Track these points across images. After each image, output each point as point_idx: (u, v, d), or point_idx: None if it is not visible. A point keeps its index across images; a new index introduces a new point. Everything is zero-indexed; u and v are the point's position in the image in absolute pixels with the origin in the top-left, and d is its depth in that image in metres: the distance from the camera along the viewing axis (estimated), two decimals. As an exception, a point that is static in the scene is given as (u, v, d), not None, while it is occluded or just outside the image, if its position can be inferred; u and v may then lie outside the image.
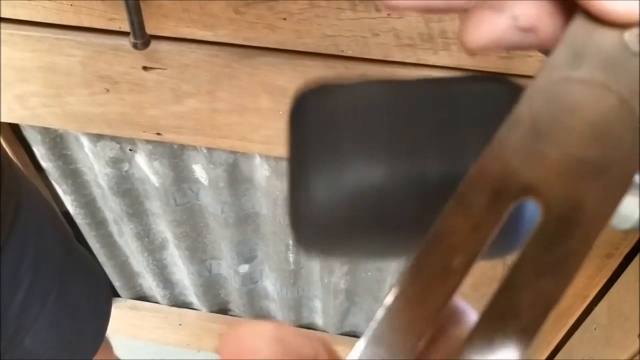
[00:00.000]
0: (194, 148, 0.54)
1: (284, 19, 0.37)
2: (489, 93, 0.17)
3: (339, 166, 0.16)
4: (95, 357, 0.48)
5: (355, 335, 0.82)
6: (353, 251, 0.16)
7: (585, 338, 0.57)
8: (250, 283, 0.75)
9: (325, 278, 0.69)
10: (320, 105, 0.17)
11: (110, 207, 0.65)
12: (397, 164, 0.16)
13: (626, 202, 0.31)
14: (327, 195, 0.16)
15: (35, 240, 0.40)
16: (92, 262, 0.50)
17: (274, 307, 0.81)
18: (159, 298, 0.84)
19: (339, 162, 0.16)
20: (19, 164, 0.58)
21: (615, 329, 0.50)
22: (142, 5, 0.36)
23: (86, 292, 0.48)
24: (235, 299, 0.80)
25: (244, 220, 0.63)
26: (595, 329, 0.54)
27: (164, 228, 0.68)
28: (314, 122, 0.17)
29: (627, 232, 0.32)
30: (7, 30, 0.42)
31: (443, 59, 0.37)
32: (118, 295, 0.85)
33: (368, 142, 0.16)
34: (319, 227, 0.17)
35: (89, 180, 0.63)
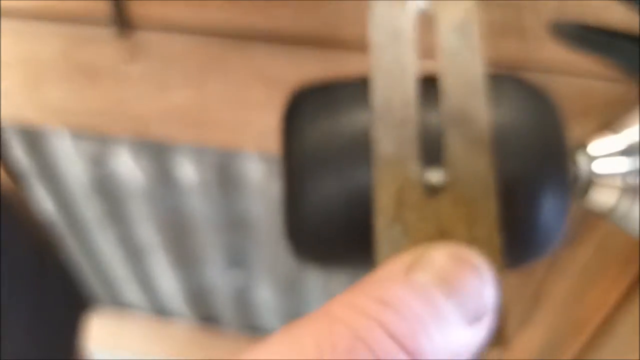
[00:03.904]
0: (182, 145, 0.54)
1: (281, 5, 0.37)
2: (498, 92, 0.17)
3: (337, 172, 0.16)
4: None
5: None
6: (350, 261, 0.16)
7: (606, 348, 0.57)
8: (242, 291, 0.75)
9: (323, 285, 0.69)
10: (316, 106, 0.17)
11: (92, 209, 0.65)
12: None
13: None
14: (326, 200, 0.16)
15: (7, 249, 0.40)
16: (69, 271, 0.51)
17: (268, 316, 0.81)
18: (143, 307, 0.84)
19: (336, 167, 0.16)
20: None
21: (636, 336, 0.50)
22: (126, -9, 0.36)
23: (62, 302, 0.48)
24: (225, 308, 0.80)
25: (236, 224, 0.63)
26: (616, 337, 0.55)
27: (148, 232, 0.68)
28: (309, 127, 0.17)
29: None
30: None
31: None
32: (100, 304, 0.85)
33: (365, 148, 0.16)
34: (315, 237, 0.17)
35: (69, 181, 0.63)
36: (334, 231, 0.16)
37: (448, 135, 0.15)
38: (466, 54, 0.16)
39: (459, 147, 0.15)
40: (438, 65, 0.16)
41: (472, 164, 0.15)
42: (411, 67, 0.16)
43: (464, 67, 0.15)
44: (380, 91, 0.15)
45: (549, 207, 0.17)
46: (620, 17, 0.33)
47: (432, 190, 0.15)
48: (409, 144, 0.15)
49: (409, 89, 0.15)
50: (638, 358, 0.50)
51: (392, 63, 0.16)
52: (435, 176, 0.15)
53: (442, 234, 0.14)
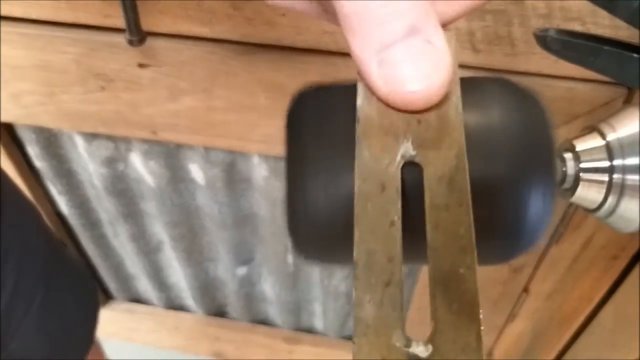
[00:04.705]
0: (191, 147, 0.54)
1: (283, 14, 0.37)
2: (487, 94, 0.17)
3: (337, 171, 0.16)
4: None
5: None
6: (349, 258, 0.16)
7: (591, 341, 0.57)
8: (248, 286, 0.75)
9: (325, 281, 0.69)
10: (317, 109, 0.17)
11: (105, 207, 0.65)
12: None
13: (630, 205, 0.31)
14: (325, 200, 0.16)
15: (18, 243, 0.40)
16: (80, 266, 0.51)
17: (273, 310, 0.81)
18: (154, 301, 0.84)
19: (337, 167, 0.16)
20: (12, 163, 0.58)
21: (622, 331, 0.50)
22: (138, 1, 0.36)
23: (73, 295, 0.48)
24: (232, 302, 0.80)
25: (242, 222, 0.63)
26: (601, 331, 0.54)
27: (159, 229, 0.68)
28: (311, 126, 0.17)
29: (633, 234, 0.32)
30: (3, 27, 0.42)
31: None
32: (113, 298, 0.85)
33: None
34: (318, 233, 0.17)
35: (84, 180, 0.63)
36: (334, 229, 0.16)
37: (435, 299, 0.13)
38: (455, 208, 0.14)
39: (446, 314, 0.13)
40: (426, 219, 0.14)
41: (461, 334, 0.13)
42: (398, 221, 0.14)
43: (453, 223, 0.14)
44: (362, 244, 0.14)
45: (535, 203, 0.16)
46: (606, 23, 0.34)
47: None
48: (393, 308, 0.13)
49: (395, 245, 0.14)
50: (622, 350, 0.50)
51: (377, 215, 0.14)
52: (421, 350, 0.13)
53: None
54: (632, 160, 0.31)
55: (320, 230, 0.17)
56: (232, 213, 0.61)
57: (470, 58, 0.37)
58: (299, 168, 0.17)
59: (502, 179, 0.16)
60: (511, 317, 0.62)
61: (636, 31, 0.28)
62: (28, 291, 0.41)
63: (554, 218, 0.47)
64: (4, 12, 0.41)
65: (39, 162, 0.60)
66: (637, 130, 0.31)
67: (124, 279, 0.80)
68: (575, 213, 0.46)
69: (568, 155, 0.32)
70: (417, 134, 0.15)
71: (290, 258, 0.67)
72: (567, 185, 0.32)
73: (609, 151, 0.31)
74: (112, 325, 0.85)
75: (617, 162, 0.31)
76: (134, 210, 0.65)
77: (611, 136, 0.32)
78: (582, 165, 0.31)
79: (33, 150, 0.58)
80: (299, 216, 0.17)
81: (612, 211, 0.32)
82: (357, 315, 0.13)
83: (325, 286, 0.70)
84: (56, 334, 0.45)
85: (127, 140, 0.55)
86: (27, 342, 0.42)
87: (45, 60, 0.44)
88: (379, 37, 0.14)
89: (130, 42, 0.38)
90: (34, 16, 0.41)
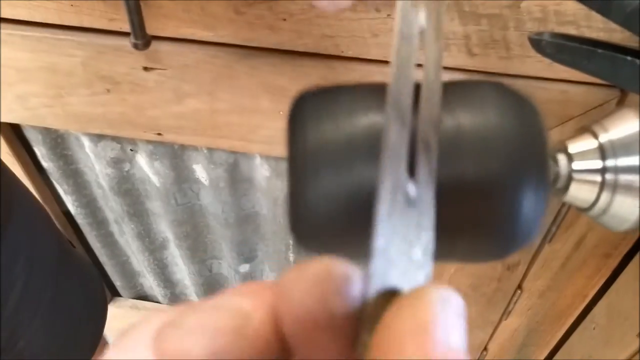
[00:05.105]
0: (195, 148, 0.54)
1: (284, 19, 0.37)
2: (482, 97, 0.17)
3: (338, 167, 0.16)
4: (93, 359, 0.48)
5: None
6: (353, 251, 0.16)
7: (584, 337, 0.57)
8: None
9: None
10: (319, 108, 0.17)
11: (111, 207, 0.66)
12: None
13: (623, 204, 0.31)
14: (327, 196, 0.16)
15: (28, 244, 0.40)
16: (87, 265, 0.50)
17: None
18: (159, 297, 0.84)
19: (337, 165, 0.16)
20: (19, 164, 0.58)
21: (614, 328, 0.50)
22: (143, 5, 0.37)
23: (81, 295, 0.48)
24: (235, 298, 0.80)
25: (244, 220, 0.63)
26: (594, 328, 0.55)
27: (164, 228, 0.68)
28: (312, 124, 0.17)
29: (625, 232, 0.32)
30: (7, 30, 0.42)
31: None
32: (119, 295, 0.85)
33: (363, 148, 0.17)
34: (319, 228, 0.17)
35: (90, 180, 0.63)
36: (335, 225, 0.17)
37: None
38: (434, 64, 0.16)
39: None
40: (424, 70, 0.16)
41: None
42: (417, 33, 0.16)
43: (431, 77, 0.16)
44: (395, 83, 0.15)
45: (529, 202, 0.17)
46: (600, 27, 0.34)
47: (409, 201, 0.14)
48: (404, 144, 0.15)
49: (410, 89, 0.16)
50: (614, 346, 0.50)
51: (408, 20, 0.16)
52: (412, 189, 0.14)
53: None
54: (624, 161, 0.31)
55: (321, 227, 0.17)
56: (235, 212, 0.62)
57: (465, 61, 0.37)
58: (300, 166, 0.17)
59: (497, 179, 0.16)
60: (506, 313, 0.62)
61: (629, 34, 0.28)
62: (37, 291, 0.41)
63: (546, 218, 0.47)
64: (9, 15, 0.41)
65: (46, 163, 0.60)
66: (630, 131, 0.31)
67: (130, 276, 0.81)
68: (568, 213, 0.46)
69: (561, 156, 0.32)
70: None
71: (291, 256, 0.67)
72: (559, 185, 0.32)
73: (602, 152, 0.31)
74: (117, 321, 0.86)
75: (609, 162, 0.31)
76: (140, 209, 0.65)
77: (604, 137, 0.32)
78: (575, 165, 0.32)
79: (40, 151, 0.58)
80: (300, 213, 0.17)
81: (605, 210, 0.32)
82: (387, 139, 0.15)
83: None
84: (64, 333, 0.45)
85: (132, 142, 0.55)
86: (35, 341, 0.42)
87: (51, 62, 0.44)
88: None
89: (135, 46, 0.38)
90: (38, 19, 0.41)
